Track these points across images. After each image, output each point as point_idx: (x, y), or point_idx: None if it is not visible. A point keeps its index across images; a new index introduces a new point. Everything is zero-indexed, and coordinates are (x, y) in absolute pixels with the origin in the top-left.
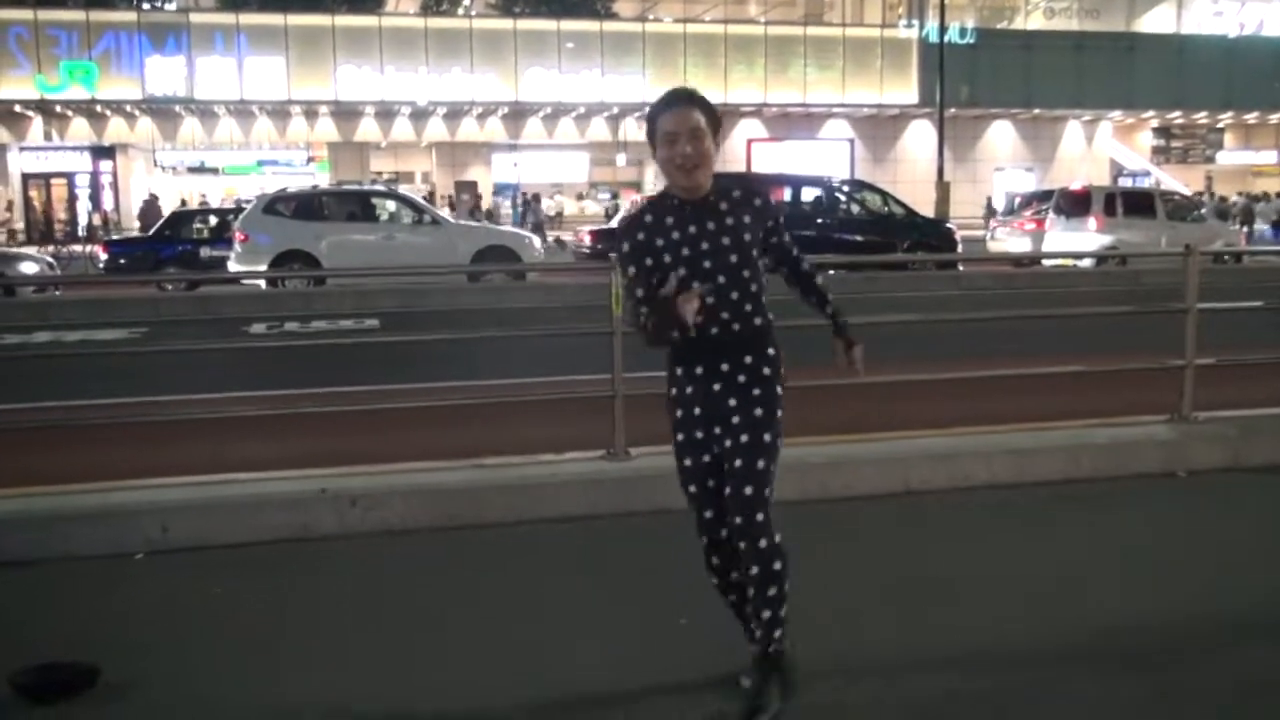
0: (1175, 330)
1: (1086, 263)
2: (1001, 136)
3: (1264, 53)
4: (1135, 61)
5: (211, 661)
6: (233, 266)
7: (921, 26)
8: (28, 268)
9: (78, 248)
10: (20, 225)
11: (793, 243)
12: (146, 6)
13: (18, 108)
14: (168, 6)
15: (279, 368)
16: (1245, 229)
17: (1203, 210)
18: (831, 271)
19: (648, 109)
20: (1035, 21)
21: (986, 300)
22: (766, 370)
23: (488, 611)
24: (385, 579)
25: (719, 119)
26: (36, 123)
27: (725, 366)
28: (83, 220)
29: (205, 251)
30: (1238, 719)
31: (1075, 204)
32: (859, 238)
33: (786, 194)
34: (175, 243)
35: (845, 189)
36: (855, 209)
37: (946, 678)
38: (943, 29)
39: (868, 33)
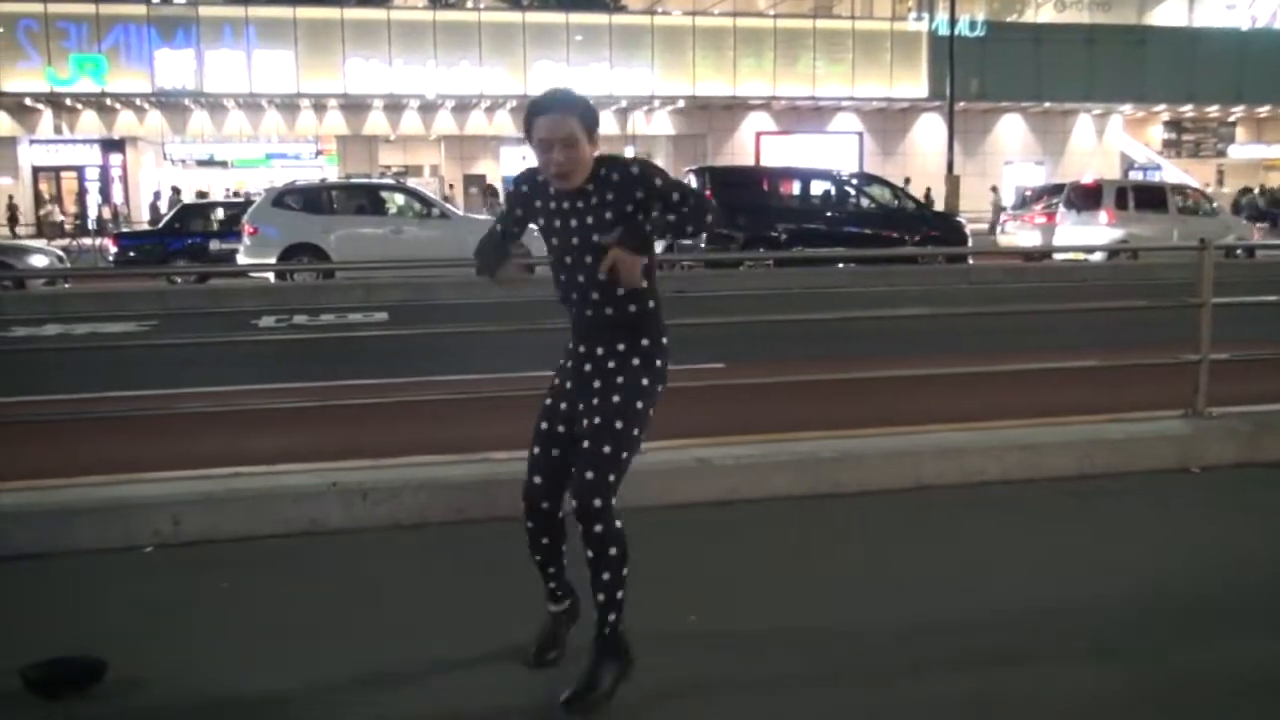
0: (1189, 325)
1: (1098, 256)
2: (1012, 130)
3: (1276, 46)
4: (1146, 55)
5: (219, 656)
6: (242, 259)
7: (931, 19)
8: (37, 260)
9: (87, 241)
10: (60, 217)
11: (679, 194)
12: (156, 0)
13: (28, 101)
14: (176, 0)
15: (288, 361)
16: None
17: (1214, 204)
18: (840, 265)
19: (527, 107)
20: (1046, 14)
21: (997, 295)
22: (636, 360)
23: (498, 606)
24: (395, 573)
25: (595, 116)
26: (46, 116)
27: (600, 350)
28: (92, 213)
29: (215, 245)
30: (1247, 716)
31: (1086, 198)
32: (868, 231)
33: (795, 187)
34: (184, 236)
35: (854, 182)
36: (864, 203)
37: (952, 677)
38: (953, 22)
39: (877, 25)
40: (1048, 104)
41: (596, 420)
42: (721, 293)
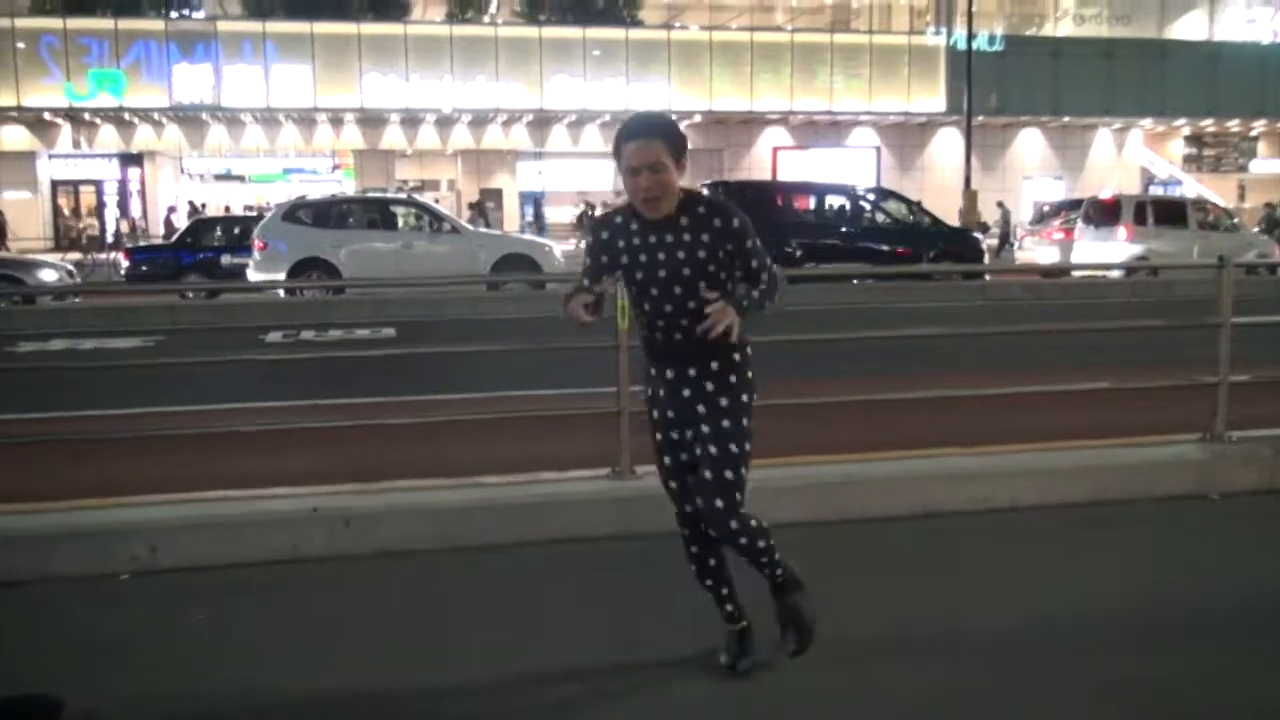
0: (1208, 345)
1: (1116, 273)
2: (1030, 145)
3: None
4: (1166, 68)
5: (187, 690)
6: (251, 274)
7: (949, 34)
8: (46, 275)
9: (103, 255)
10: (96, 231)
11: (758, 262)
12: (174, 15)
13: (47, 115)
14: (195, 15)
15: (290, 378)
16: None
17: (1235, 220)
18: (855, 281)
19: (616, 133)
20: (1065, 28)
21: (1013, 312)
22: (733, 378)
23: (486, 637)
24: (378, 602)
25: (684, 145)
26: (65, 130)
27: (692, 371)
28: (110, 227)
29: (226, 259)
30: None
31: (1105, 213)
32: (884, 247)
33: (810, 202)
34: (197, 250)
35: (870, 198)
36: (880, 218)
37: (955, 713)
38: (970, 36)
39: (895, 40)
40: (1067, 118)
41: (713, 450)
42: None
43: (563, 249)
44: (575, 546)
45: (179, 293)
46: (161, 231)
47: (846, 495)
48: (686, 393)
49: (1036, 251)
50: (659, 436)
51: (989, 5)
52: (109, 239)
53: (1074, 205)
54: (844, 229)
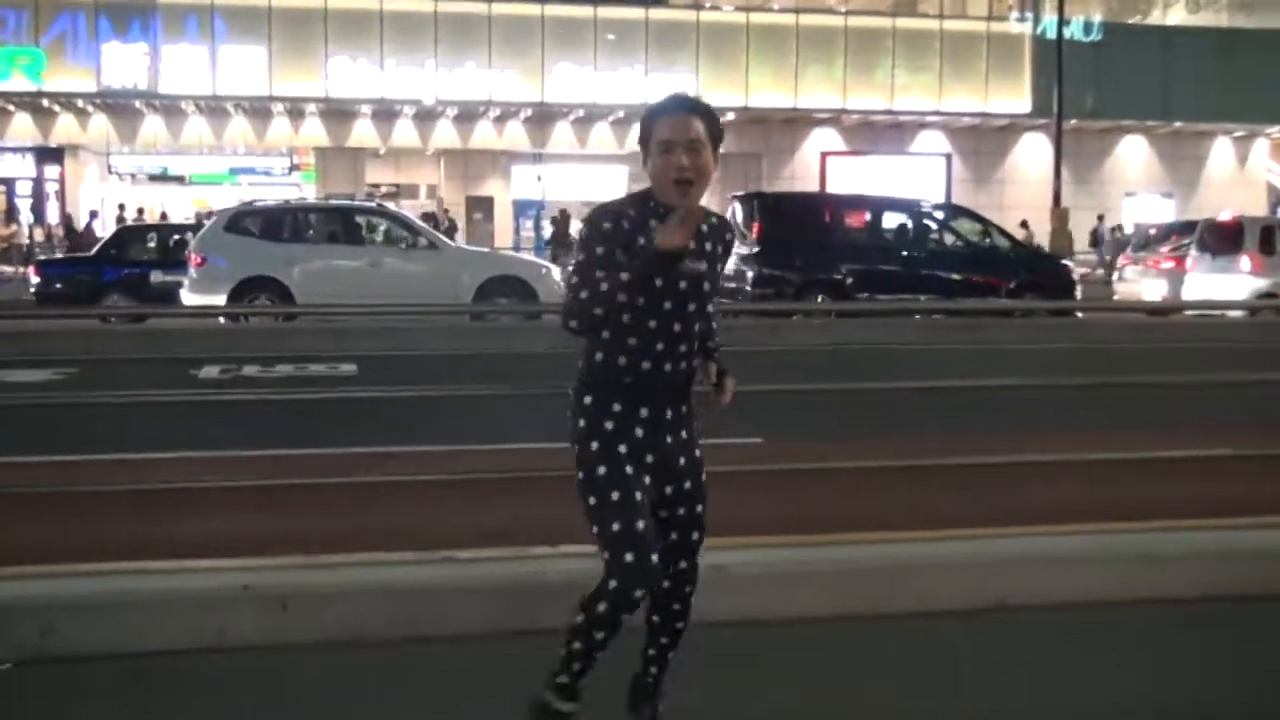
0: None
1: (1238, 312)
2: (1133, 154)
3: None
4: None
5: None
6: (186, 296)
7: (1036, 20)
8: None
9: (7, 268)
10: (25, 239)
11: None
12: None
13: None
14: None
15: (227, 423)
16: None
17: None
18: (917, 317)
19: (645, 112)
20: (1176, 16)
21: (1111, 358)
22: (697, 423)
23: None
24: (318, 705)
25: (721, 132)
26: None
27: (670, 414)
28: (23, 235)
29: (156, 276)
30: None
31: (1224, 238)
32: (954, 276)
33: (866, 219)
34: (121, 264)
35: (938, 215)
36: (949, 240)
37: None
38: (1062, 22)
39: (971, 26)
40: (1178, 124)
41: (700, 510)
42: (766, 349)
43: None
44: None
45: (98, 316)
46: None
47: (897, 583)
48: (669, 439)
49: (1141, 284)
50: (628, 468)
51: None
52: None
53: (1186, 228)
54: (905, 253)
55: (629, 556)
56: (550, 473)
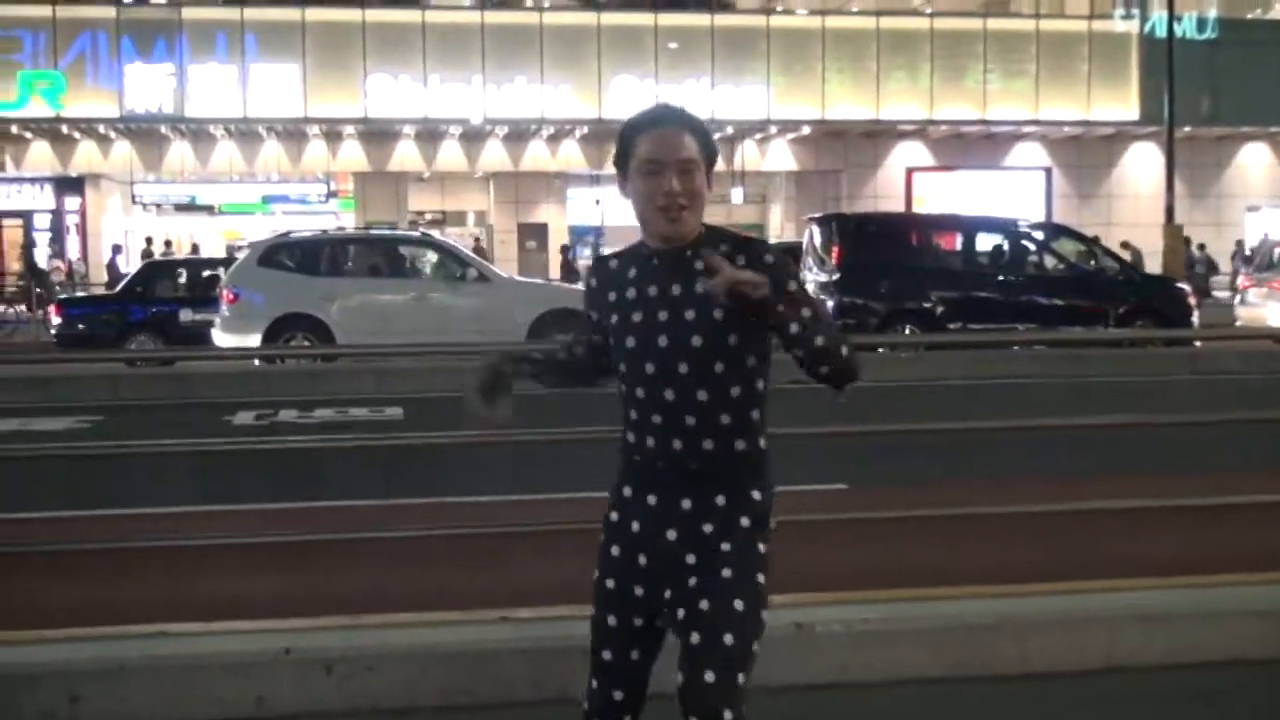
0: None
1: None
2: (1255, 164)
3: None
4: None
5: None
6: (218, 336)
7: (1144, 17)
8: None
9: (22, 308)
10: (61, 275)
11: (810, 312)
12: (128, 1)
13: None
14: (154, 1)
15: (263, 473)
16: None
17: None
18: (1015, 348)
19: (623, 125)
20: None
21: (1234, 391)
22: (745, 520)
23: None
24: None
25: (716, 151)
26: None
27: (687, 503)
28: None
29: (186, 315)
30: None
31: None
32: (1057, 302)
33: (957, 242)
34: (148, 302)
35: (1037, 236)
36: (1050, 263)
37: None
38: (1172, 19)
39: (1071, 26)
40: None
41: (705, 604)
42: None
43: None
44: None
45: (124, 360)
46: (104, 278)
47: (999, 641)
48: (672, 534)
49: (1266, 308)
50: (610, 583)
51: None
52: (37, 288)
53: None
54: (1002, 278)
55: (592, 682)
56: (596, 524)
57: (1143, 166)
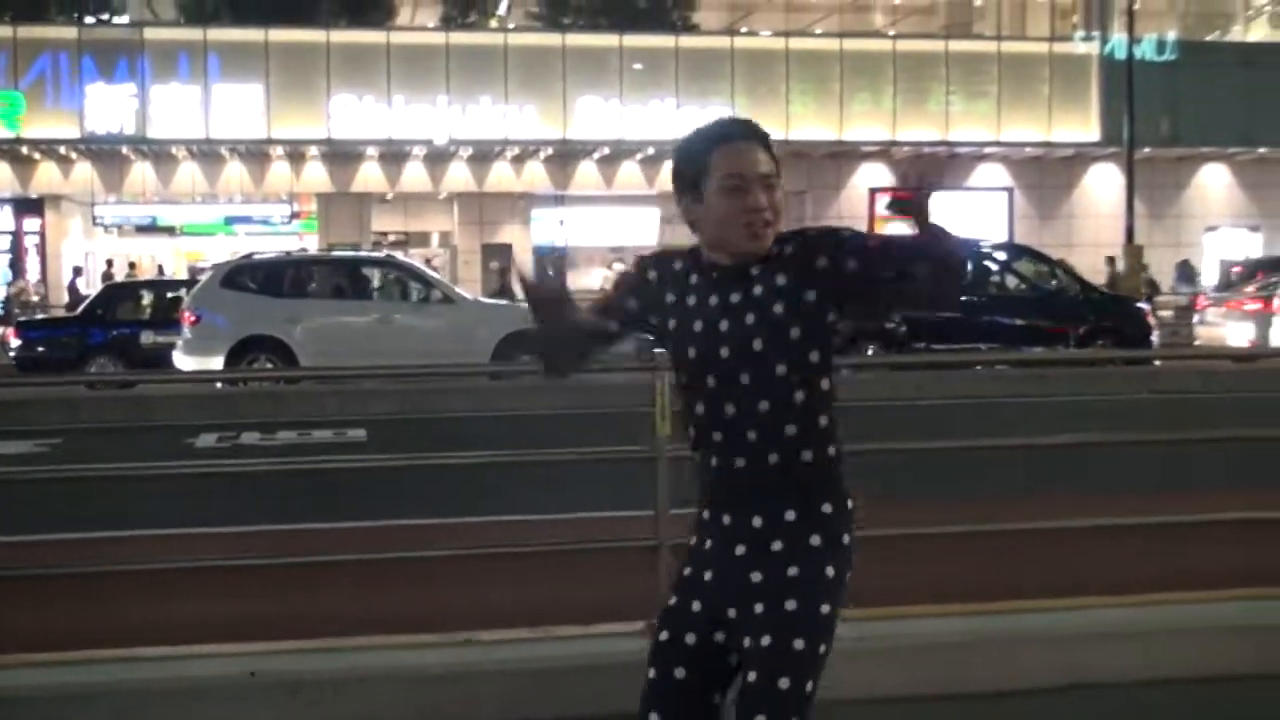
0: None
1: None
2: (1214, 185)
3: None
4: None
5: None
6: (180, 358)
7: (1104, 39)
8: None
9: None
10: (35, 296)
11: (883, 256)
12: (90, 21)
13: None
14: (117, 21)
15: (226, 496)
16: None
17: None
18: (979, 368)
19: (690, 136)
20: (1258, 32)
21: (1194, 409)
22: (816, 539)
23: None
24: None
25: (778, 161)
26: None
27: (758, 522)
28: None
29: (147, 337)
30: None
31: None
32: (1017, 321)
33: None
34: (109, 325)
35: (999, 256)
36: (1012, 282)
37: None
38: (1132, 41)
39: (1031, 48)
40: (1263, 150)
41: (766, 641)
42: None
43: None
44: None
45: (84, 383)
46: (65, 299)
47: (966, 660)
48: (741, 549)
49: (1225, 327)
50: (673, 600)
51: (1156, 2)
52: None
53: (1274, 265)
54: (965, 298)
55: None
56: (575, 545)
57: (1103, 187)
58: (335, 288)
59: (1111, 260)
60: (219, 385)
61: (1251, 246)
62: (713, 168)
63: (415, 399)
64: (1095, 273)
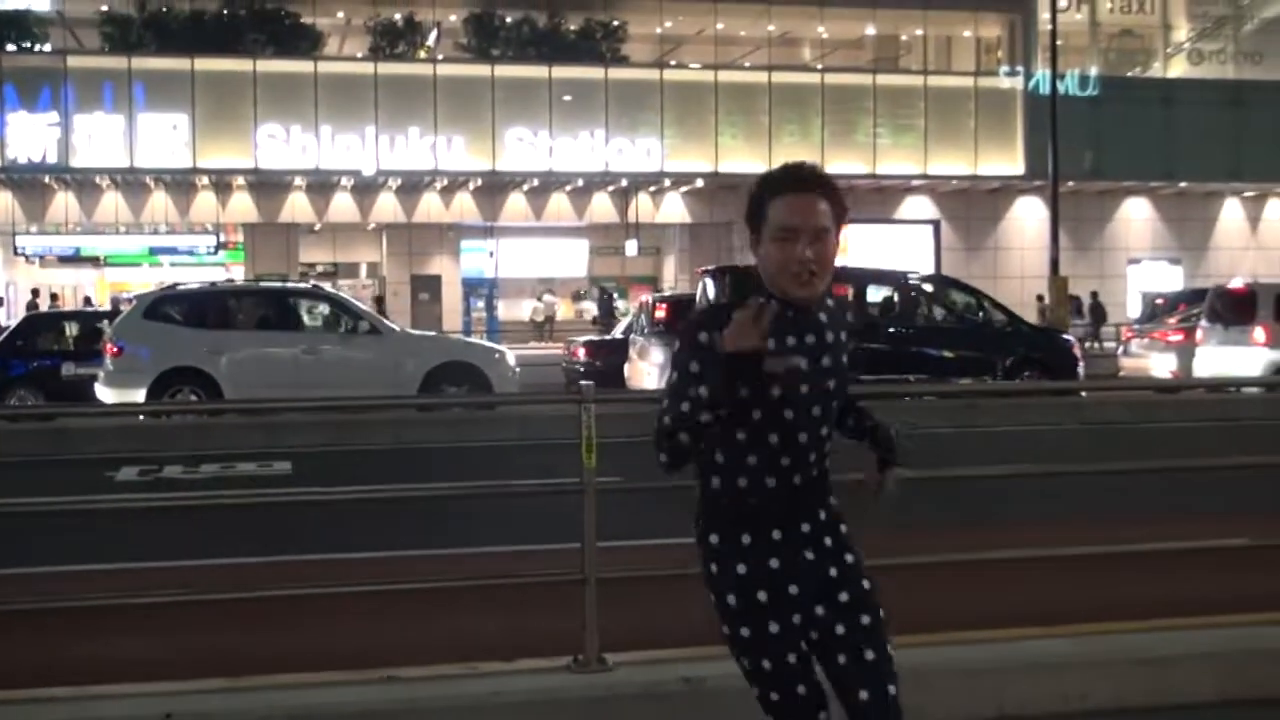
0: None
1: (1254, 389)
2: (1136, 218)
3: None
4: None
5: None
6: (101, 390)
7: (1028, 75)
8: None
9: None
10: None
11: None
12: (11, 49)
13: None
14: (40, 49)
15: (145, 531)
16: None
17: None
18: (907, 399)
19: (758, 181)
20: (1178, 68)
21: (1118, 439)
22: (844, 527)
23: None
24: None
25: (846, 210)
26: None
27: (807, 527)
28: None
29: (68, 368)
30: None
31: (1236, 308)
32: (946, 353)
33: (848, 294)
34: (28, 356)
35: (927, 288)
36: (940, 314)
37: None
38: (1055, 77)
39: (957, 82)
40: (1183, 184)
41: (866, 620)
42: None
43: (518, 355)
44: None
45: (2, 417)
46: None
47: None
48: (810, 555)
49: (1149, 358)
50: (775, 628)
51: (1079, 38)
52: None
53: (1196, 297)
54: (892, 329)
55: (775, 695)
56: (499, 580)
57: (1028, 220)
58: (261, 319)
59: (1041, 298)
60: (141, 418)
61: (1172, 278)
62: (770, 216)
63: (342, 431)
64: (1022, 305)
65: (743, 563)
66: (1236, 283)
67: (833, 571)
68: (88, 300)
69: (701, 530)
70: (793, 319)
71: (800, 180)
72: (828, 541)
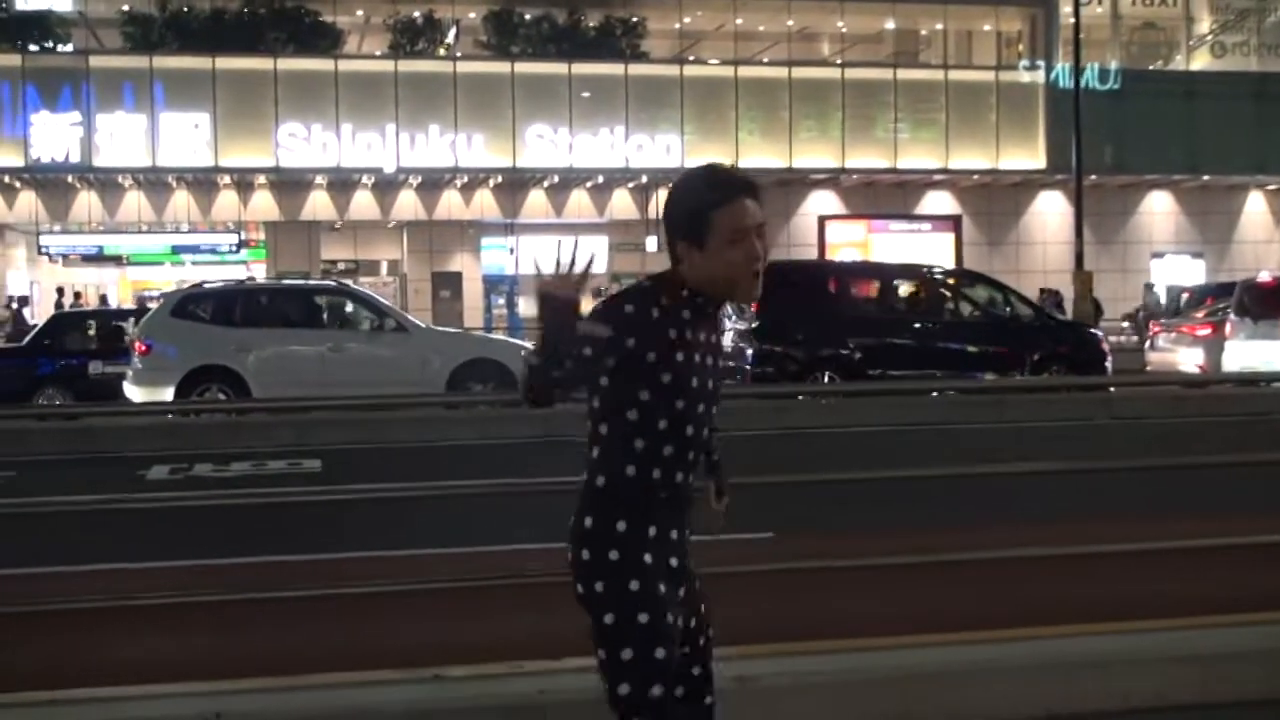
0: None
1: None
2: (1159, 211)
3: None
4: None
5: None
6: (129, 389)
7: (1049, 68)
8: None
9: None
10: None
11: None
12: (34, 49)
13: None
14: (62, 49)
15: (178, 530)
16: None
17: None
18: (934, 394)
19: (694, 193)
20: (1200, 61)
21: (1148, 435)
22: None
23: None
24: None
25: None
26: None
27: (673, 535)
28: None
29: (96, 367)
30: None
31: (1265, 301)
32: (970, 348)
33: (874, 289)
34: (56, 355)
35: (951, 282)
36: (964, 309)
37: None
38: (1078, 70)
39: (978, 76)
40: (1206, 177)
41: (711, 634)
42: (771, 432)
43: None
44: None
45: (31, 416)
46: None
47: (928, 693)
48: (675, 562)
49: (1176, 353)
50: (671, 618)
51: (1101, 31)
52: None
53: (1224, 291)
54: (918, 325)
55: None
56: (542, 578)
57: (1050, 214)
58: (287, 317)
59: (1043, 292)
60: (170, 416)
61: (1195, 272)
62: (719, 223)
63: (370, 429)
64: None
65: (649, 552)
66: (1265, 276)
67: (697, 584)
68: (104, 299)
69: (604, 515)
70: (711, 315)
71: (740, 187)
72: (687, 547)
